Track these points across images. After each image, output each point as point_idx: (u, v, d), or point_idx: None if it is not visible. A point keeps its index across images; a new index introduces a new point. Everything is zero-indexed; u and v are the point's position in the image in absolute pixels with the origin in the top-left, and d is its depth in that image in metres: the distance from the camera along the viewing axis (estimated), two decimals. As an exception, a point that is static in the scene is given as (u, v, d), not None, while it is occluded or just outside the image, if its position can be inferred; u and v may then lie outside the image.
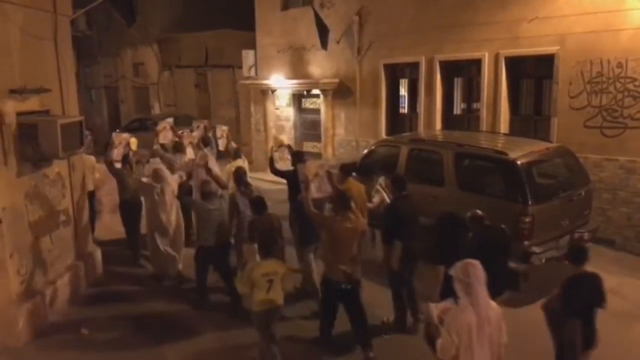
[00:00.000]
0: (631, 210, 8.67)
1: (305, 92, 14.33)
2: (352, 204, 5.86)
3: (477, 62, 10.40)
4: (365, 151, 9.63)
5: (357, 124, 12.92)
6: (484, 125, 10.36)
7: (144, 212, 8.37)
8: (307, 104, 14.67)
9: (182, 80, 20.21)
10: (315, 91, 13.80)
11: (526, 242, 6.96)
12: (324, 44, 11.70)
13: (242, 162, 8.65)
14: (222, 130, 10.31)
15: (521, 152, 7.40)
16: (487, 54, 10.16)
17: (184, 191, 8.08)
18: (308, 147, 14.72)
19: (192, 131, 10.43)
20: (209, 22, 18.40)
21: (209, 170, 7.65)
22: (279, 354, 5.55)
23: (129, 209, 8.60)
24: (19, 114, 6.13)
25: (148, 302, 7.33)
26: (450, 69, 11.18)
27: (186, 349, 6.12)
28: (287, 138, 8.87)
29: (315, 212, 5.96)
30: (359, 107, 12.82)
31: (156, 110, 20.91)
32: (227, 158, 9.70)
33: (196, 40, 19.03)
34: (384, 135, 11.90)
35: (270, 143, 14.64)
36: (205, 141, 9.56)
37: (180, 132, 10.17)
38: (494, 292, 4.30)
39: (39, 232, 6.55)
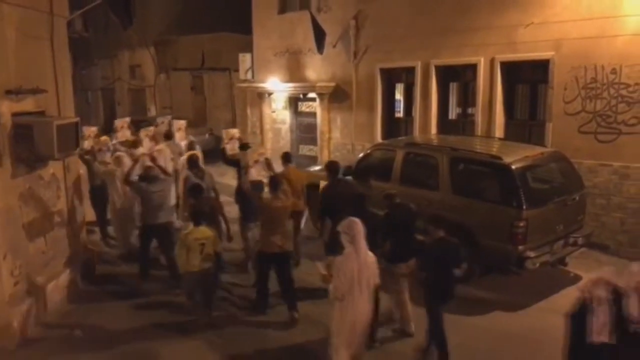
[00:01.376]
0: (625, 216, 8.71)
1: (301, 96, 14.35)
2: (284, 186, 7.10)
3: (473, 67, 10.45)
4: (361, 155, 9.65)
5: (353, 128, 12.95)
6: (478, 130, 10.40)
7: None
8: (304, 107, 14.69)
9: (179, 83, 20.22)
10: (312, 95, 13.83)
11: (520, 247, 6.98)
12: (320, 48, 11.74)
13: (196, 152, 9.62)
14: (179, 124, 11.64)
15: (516, 157, 7.43)
16: (482, 59, 10.21)
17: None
18: (304, 150, 14.74)
19: (156, 126, 11.73)
20: (206, 25, 18.43)
21: (153, 159, 8.57)
22: (209, 316, 6.65)
23: (97, 194, 9.48)
24: (14, 115, 6.12)
25: (142, 301, 7.30)
26: (446, 74, 11.22)
27: (181, 347, 6.11)
28: (238, 131, 10.05)
29: (253, 192, 7.09)
30: (354, 111, 12.85)
31: (152, 112, 20.90)
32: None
33: (193, 43, 19.05)
34: (379, 139, 11.93)
35: (268, 144, 14.75)
36: (167, 135, 10.84)
37: (152, 128, 11.52)
38: (402, 257, 6.14)
39: (33, 233, 6.53)
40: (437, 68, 11.09)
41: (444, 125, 11.31)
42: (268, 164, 8.38)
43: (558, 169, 8.01)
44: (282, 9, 14.54)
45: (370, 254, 5.06)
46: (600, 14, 8.67)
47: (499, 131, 10.17)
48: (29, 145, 6.13)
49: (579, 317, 3.79)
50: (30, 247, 6.48)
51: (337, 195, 6.95)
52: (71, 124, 6.74)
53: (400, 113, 12.53)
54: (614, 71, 8.57)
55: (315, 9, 12.95)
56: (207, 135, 17.22)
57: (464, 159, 8.01)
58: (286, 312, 6.72)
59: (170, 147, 10.24)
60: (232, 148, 9.07)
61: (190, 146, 10.38)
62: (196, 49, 19.02)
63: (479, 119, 10.43)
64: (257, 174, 8.05)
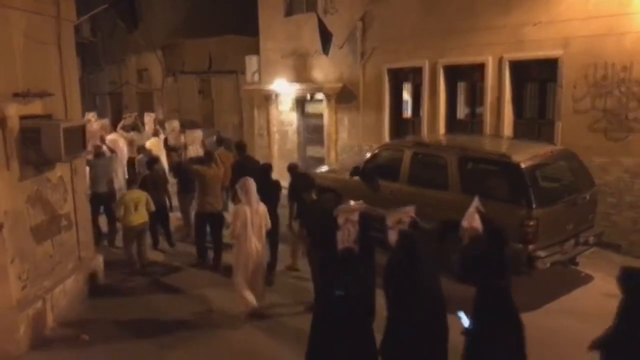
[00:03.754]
0: (637, 215, 8.59)
1: (308, 97, 14.31)
2: (216, 160, 8.90)
3: (481, 67, 10.37)
4: (369, 155, 9.60)
5: (360, 129, 12.90)
6: (487, 129, 10.31)
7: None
8: (311, 108, 14.65)
9: (186, 86, 20.24)
10: (319, 96, 13.79)
11: (530, 246, 6.91)
12: (325, 49, 11.71)
13: (157, 140, 12.70)
14: (150, 116, 14.96)
15: (525, 155, 7.36)
16: (490, 58, 10.13)
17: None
18: (311, 152, 14.70)
19: (124, 118, 14.89)
20: (212, 28, 18.44)
21: (102, 139, 11.49)
22: (140, 263, 8.49)
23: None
24: (22, 118, 6.14)
25: (149, 305, 7.32)
26: (454, 74, 11.15)
27: (188, 354, 6.08)
28: (178, 122, 14.43)
29: (191, 166, 9.13)
30: (362, 111, 12.80)
31: (160, 115, 20.95)
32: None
33: (200, 46, 19.06)
34: (387, 140, 11.87)
35: (275, 146, 14.76)
36: (133, 127, 14.00)
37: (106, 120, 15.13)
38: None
39: (40, 236, 6.54)
40: (445, 68, 11.02)
41: (452, 124, 11.23)
42: (203, 144, 10.80)
43: (568, 167, 7.93)
44: (289, 11, 14.54)
45: (262, 205, 6.78)
46: (608, 12, 8.57)
47: (507, 130, 10.08)
48: (36, 148, 6.15)
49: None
50: (37, 251, 6.48)
51: (245, 168, 8.46)
52: (78, 126, 6.77)
53: (408, 113, 12.47)
54: (624, 68, 8.47)
55: (321, 10, 12.92)
56: (214, 138, 17.20)
57: (473, 158, 7.95)
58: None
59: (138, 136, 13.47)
60: (175, 138, 11.34)
61: (155, 134, 13.46)
62: (203, 52, 19.04)
63: (488, 118, 10.34)
64: (194, 152, 10.52)
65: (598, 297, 7.25)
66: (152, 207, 8.53)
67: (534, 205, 6.86)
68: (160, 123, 15.46)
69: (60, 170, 7.00)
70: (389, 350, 4.54)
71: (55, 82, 6.96)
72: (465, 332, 4.55)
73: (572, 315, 6.73)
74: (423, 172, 8.48)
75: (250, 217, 6.56)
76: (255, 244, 6.64)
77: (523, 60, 9.84)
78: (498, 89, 10.13)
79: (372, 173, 9.04)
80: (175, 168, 10.01)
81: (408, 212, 5.18)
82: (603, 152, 8.80)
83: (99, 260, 8.14)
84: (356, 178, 9.23)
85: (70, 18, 7.43)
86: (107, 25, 20.32)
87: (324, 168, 11.36)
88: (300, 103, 14.74)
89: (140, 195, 8.41)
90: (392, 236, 4.90)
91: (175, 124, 13.94)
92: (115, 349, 6.19)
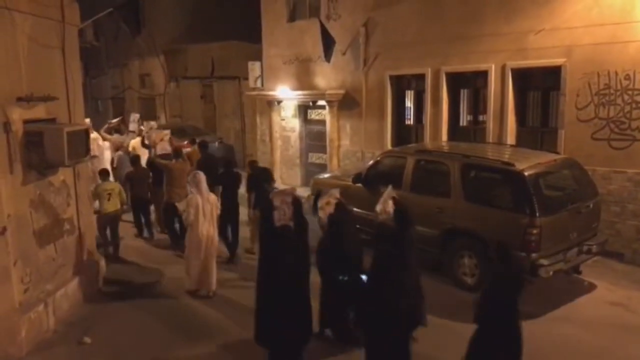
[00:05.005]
0: (640, 224, 8.58)
1: (311, 103, 14.32)
2: (183, 155, 9.99)
3: (484, 74, 10.37)
4: (371, 162, 9.59)
5: (363, 135, 12.90)
6: (490, 137, 10.30)
7: None
8: (313, 115, 14.66)
9: (188, 92, 20.29)
10: (321, 102, 13.79)
11: (534, 255, 6.89)
12: (327, 56, 11.72)
13: (137, 139, 12.85)
14: (134, 116, 15.16)
15: (528, 164, 7.35)
16: (493, 65, 10.13)
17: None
18: (313, 158, 14.70)
19: (109, 124, 15.16)
20: (215, 33, 18.51)
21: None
22: (114, 248, 9.23)
23: None
24: (25, 122, 6.15)
25: (152, 309, 7.30)
26: (457, 81, 11.15)
27: (193, 357, 6.06)
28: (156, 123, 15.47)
29: (160, 162, 9.96)
30: (364, 118, 12.81)
31: (162, 120, 20.99)
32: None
33: (202, 52, 19.13)
34: (389, 147, 11.86)
35: (277, 152, 14.75)
36: (117, 129, 14.96)
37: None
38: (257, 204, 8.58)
39: (43, 240, 6.53)
40: (448, 75, 11.03)
41: (455, 132, 11.23)
42: (171, 142, 11.24)
43: (571, 176, 7.92)
44: (292, 17, 14.57)
45: (212, 195, 7.90)
46: (612, 20, 8.58)
47: (510, 138, 10.08)
48: (39, 152, 6.15)
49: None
50: (40, 254, 6.48)
51: (207, 164, 9.74)
52: (81, 131, 6.77)
53: (410, 120, 12.45)
54: (627, 77, 8.48)
55: (324, 16, 12.94)
56: (216, 144, 17.20)
57: (476, 166, 7.94)
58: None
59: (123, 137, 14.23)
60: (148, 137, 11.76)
61: (140, 134, 13.90)
62: (206, 57, 19.10)
63: (491, 125, 10.34)
64: (161, 149, 10.86)
65: (601, 305, 7.24)
66: (124, 197, 9.44)
67: (537, 214, 6.84)
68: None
69: (64, 175, 7.00)
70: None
71: (59, 86, 6.97)
72: None
73: (575, 323, 6.70)
74: (425, 180, 8.47)
75: (201, 205, 7.48)
76: (207, 229, 7.58)
77: (526, 68, 9.85)
78: (501, 96, 10.13)
79: (375, 180, 9.03)
80: (148, 164, 10.59)
81: (334, 194, 6.56)
82: (606, 160, 8.79)
83: (102, 264, 8.13)
84: (358, 185, 9.22)
85: (74, 22, 7.45)
86: (110, 29, 20.41)
87: (326, 174, 11.35)
88: (303, 109, 14.76)
89: (113, 186, 9.31)
90: (322, 216, 6.44)
91: (152, 124, 14.84)
92: (117, 352, 6.17)
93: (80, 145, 6.63)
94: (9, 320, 5.91)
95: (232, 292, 7.79)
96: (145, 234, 10.51)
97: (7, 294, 5.88)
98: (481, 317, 4.71)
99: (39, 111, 6.42)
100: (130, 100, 22.77)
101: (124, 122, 16.20)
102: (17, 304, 5.99)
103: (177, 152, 10.04)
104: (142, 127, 14.58)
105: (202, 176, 7.63)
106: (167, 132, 11.96)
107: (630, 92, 8.48)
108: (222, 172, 9.30)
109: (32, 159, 6.18)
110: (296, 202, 5.59)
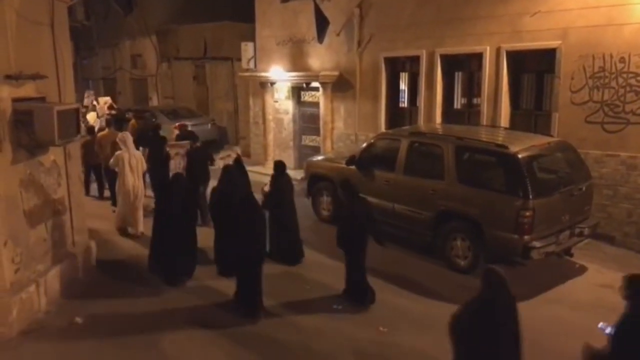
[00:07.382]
0: (632, 207, 8.62)
1: (304, 85, 14.21)
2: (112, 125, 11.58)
3: (479, 56, 10.32)
4: (365, 144, 9.56)
5: (357, 118, 12.84)
6: (484, 120, 10.29)
7: None
8: (307, 97, 14.55)
9: (181, 72, 20.07)
10: (315, 84, 13.68)
11: (526, 237, 6.92)
12: (320, 37, 11.58)
13: (92, 114, 15.44)
14: (89, 92, 17.83)
15: (522, 146, 7.35)
16: (488, 48, 10.08)
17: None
18: (307, 141, 14.63)
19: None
20: (208, 13, 18.25)
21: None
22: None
23: None
24: (14, 100, 6.04)
25: (144, 289, 7.26)
26: (451, 63, 11.10)
27: (183, 337, 6.06)
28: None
29: (97, 135, 11.21)
30: (358, 100, 12.74)
31: (154, 102, 20.79)
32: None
33: (195, 32, 18.88)
34: (383, 129, 11.82)
35: (271, 135, 14.65)
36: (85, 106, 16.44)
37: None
38: (204, 179, 9.79)
39: (34, 220, 6.47)
40: (442, 57, 10.97)
41: (449, 115, 11.20)
42: (110, 107, 14.03)
43: (564, 159, 7.93)
44: (285, -3, 14.38)
45: (137, 151, 9.47)
46: (607, 2, 8.54)
47: (504, 121, 10.07)
48: (29, 131, 6.05)
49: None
50: (31, 235, 6.42)
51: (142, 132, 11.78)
52: (72, 110, 6.67)
53: (404, 103, 12.40)
54: (622, 60, 8.46)
55: (318, -4, 12.77)
56: (209, 125, 17.10)
57: (470, 148, 7.93)
58: None
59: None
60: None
61: (93, 108, 16.68)
62: (198, 38, 18.86)
63: (485, 108, 10.32)
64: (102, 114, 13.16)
65: (592, 287, 7.31)
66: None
67: (530, 196, 6.86)
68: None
69: (54, 154, 6.91)
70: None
71: (48, 64, 6.83)
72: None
73: (566, 305, 6.76)
74: (419, 162, 8.46)
75: (128, 159, 9.02)
76: (134, 181, 9.08)
77: (521, 51, 9.80)
78: (495, 79, 10.09)
79: (368, 162, 9.00)
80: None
81: (235, 150, 8.02)
82: (600, 144, 8.81)
83: (93, 244, 8.09)
84: (352, 167, 9.20)
85: (64, -1, 7.30)
86: (101, 8, 20.08)
87: (319, 157, 11.31)
88: (296, 91, 14.64)
89: None
90: (221, 165, 8.18)
91: (107, 99, 17.45)
92: (109, 332, 6.15)
93: (71, 125, 6.52)
94: (0, 300, 5.87)
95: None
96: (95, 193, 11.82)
97: (-3, 274, 5.83)
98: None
99: (28, 89, 6.31)
100: (121, 81, 22.50)
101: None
102: (8, 284, 5.95)
103: (108, 122, 12.13)
104: (94, 103, 17.03)
105: (129, 136, 9.37)
106: (108, 98, 15.16)
107: (624, 75, 8.47)
108: (151, 134, 11.30)
109: (22, 138, 6.08)
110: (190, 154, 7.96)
